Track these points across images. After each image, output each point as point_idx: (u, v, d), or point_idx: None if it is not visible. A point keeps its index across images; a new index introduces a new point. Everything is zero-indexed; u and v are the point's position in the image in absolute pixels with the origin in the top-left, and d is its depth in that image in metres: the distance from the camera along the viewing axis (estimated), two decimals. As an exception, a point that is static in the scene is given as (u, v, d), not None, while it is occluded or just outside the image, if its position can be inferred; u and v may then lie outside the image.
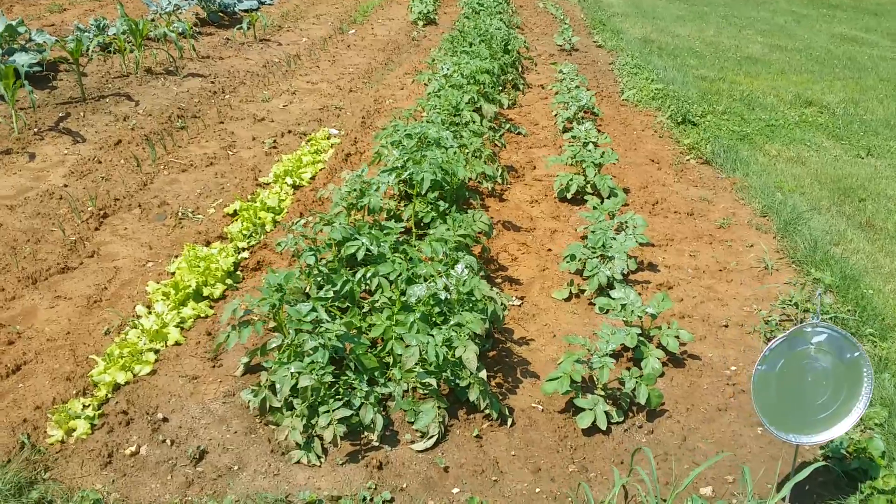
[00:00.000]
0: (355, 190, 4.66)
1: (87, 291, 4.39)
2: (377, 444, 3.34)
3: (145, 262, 4.74)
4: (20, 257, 4.69)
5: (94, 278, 4.53)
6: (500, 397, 3.68)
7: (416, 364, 3.44)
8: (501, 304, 3.95)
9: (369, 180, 4.76)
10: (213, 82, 8.72)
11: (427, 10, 14.17)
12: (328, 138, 6.92)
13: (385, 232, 4.22)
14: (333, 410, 3.25)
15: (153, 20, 11.75)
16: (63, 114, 7.29)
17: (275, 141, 6.82)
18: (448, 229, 4.30)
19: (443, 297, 3.65)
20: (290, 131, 7.11)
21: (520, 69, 10.10)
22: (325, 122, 7.49)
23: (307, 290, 4.06)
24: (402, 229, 4.45)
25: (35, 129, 6.86)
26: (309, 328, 3.40)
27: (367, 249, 4.00)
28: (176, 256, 4.78)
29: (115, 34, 10.12)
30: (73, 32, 9.96)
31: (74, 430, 3.29)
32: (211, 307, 4.27)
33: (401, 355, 3.54)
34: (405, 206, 5.23)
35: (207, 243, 4.94)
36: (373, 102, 8.23)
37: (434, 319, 3.72)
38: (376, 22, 13.79)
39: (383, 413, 3.44)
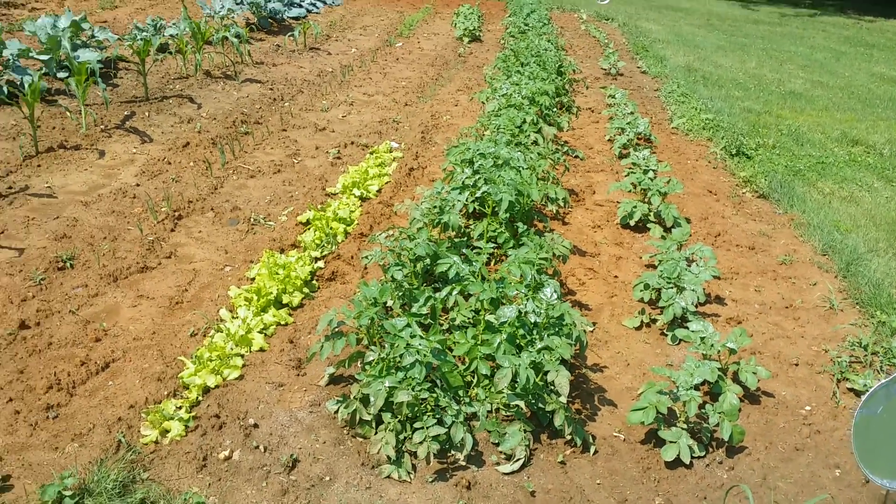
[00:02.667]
0: (435, 207, 4.72)
1: (169, 292, 4.46)
2: (464, 463, 3.37)
3: (222, 265, 4.81)
4: (99, 254, 4.77)
5: (174, 279, 4.60)
6: (582, 424, 3.71)
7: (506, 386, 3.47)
8: (583, 329, 3.98)
9: (445, 197, 4.82)
10: (271, 89, 8.83)
11: (472, 26, 14.29)
12: (390, 151, 6.99)
13: (476, 252, 4.26)
14: (428, 427, 3.28)
15: (206, 23, 11.91)
16: (128, 112, 7.40)
17: (339, 151, 6.89)
18: (530, 251, 4.34)
19: (532, 321, 3.69)
20: (352, 142, 7.18)
21: (569, 91, 10.16)
22: (385, 135, 7.56)
23: (388, 304, 4.11)
24: (490, 250, 4.49)
25: (102, 127, 6.97)
26: (405, 342, 3.44)
27: (458, 268, 4.05)
28: (251, 262, 4.84)
29: (171, 35, 10.27)
30: (129, 31, 10.12)
31: (168, 431, 3.34)
32: (290, 314, 4.33)
33: (486, 375, 3.58)
34: (474, 224, 5.28)
35: (282, 250, 5.00)
36: (429, 118, 8.30)
37: (518, 342, 3.76)
38: (422, 36, 13.90)
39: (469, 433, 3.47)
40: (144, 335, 4.02)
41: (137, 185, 5.83)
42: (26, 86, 7.17)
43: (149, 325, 4.13)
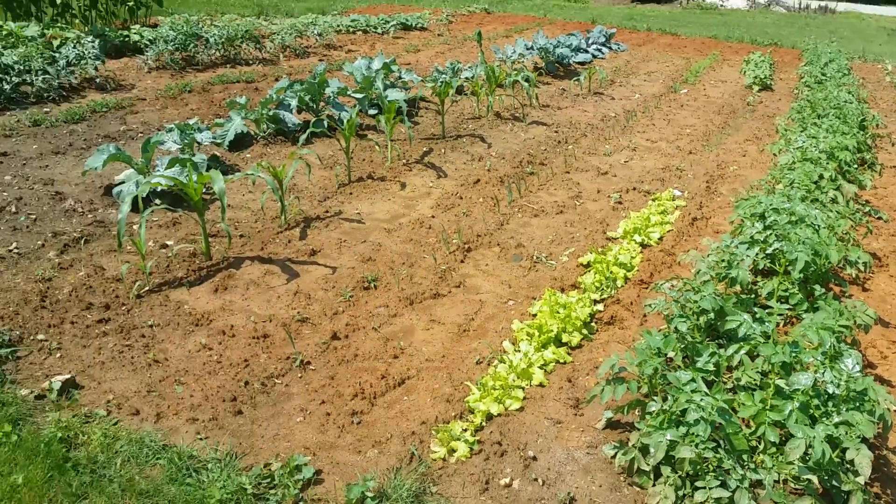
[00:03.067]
0: (722, 261, 4.60)
1: (457, 319, 4.77)
2: (744, 531, 3.23)
3: (506, 299, 5.05)
4: (398, 278, 5.22)
5: (463, 308, 4.91)
6: (880, 511, 3.40)
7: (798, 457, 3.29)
8: (887, 408, 3.65)
9: (733, 251, 4.68)
10: (556, 131, 9.12)
11: (763, 75, 13.66)
12: (672, 199, 6.91)
13: (767, 311, 4.10)
14: (711, 489, 3.20)
15: (499, 67, 12.56)
16: (427, 149, 8.04)
17: (620, 196, 6.95)
18: (827, 316, 4.07)
19: (829, 392, 3.46)
20: (634, 188, 7.20)
21: (872, 147, 9.35)
22: (668, 182, 7.49)
23: (670, 356, 4.07)
24: (782, 311, 4.29)
25: (404, 161, 7.63)
26: (688, 397, 3.39)
27: (748, 327, 3.92)
28: (533, 298, 5.04)
29: (466, 77, 10.97)
30: (430, 73, 10.97)
31: (455, 450, 3.57)
32: (569, 353, 4.43)
33: (773, 443, 3.41)
34: (762, 282, 5.05)
35: (562, 290, 5.15)
36: (715, 167, 8.08)
37: (812, 412, 3.54)
38: (708, 83, 13.54)
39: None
40: (435, 357, 4.34)
41: (433, 216, 6.30)
42: (344, 121, 8.07)
43: (439, 348, 4.45)
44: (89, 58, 9.25)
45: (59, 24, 10.74)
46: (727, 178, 7.76)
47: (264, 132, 7.85)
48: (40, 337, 4.24)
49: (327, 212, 6.29)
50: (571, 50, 14.39)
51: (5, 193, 6.05)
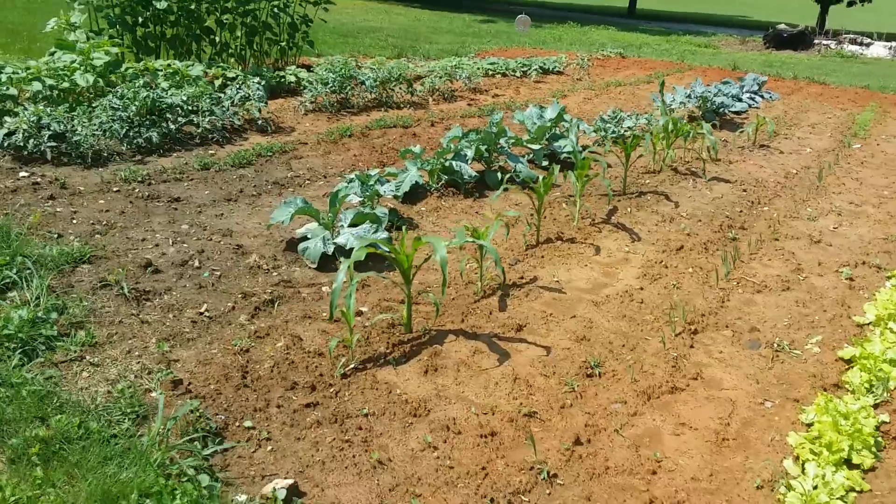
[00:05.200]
0: None
1: (710, 423, 4.05)
2: None
3: (760, 399, 4.30)
4: (623, 364, 4.56)
5: (711, 409, 4.19)
6: None
7: None
8: None
9: None
10: (745, 190, 8.33)
11: (945, 127, 12.50)
12: (914, 278, 6.01)
13: None
14: None
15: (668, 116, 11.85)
16: (611, 207, 7.39)
17: (850, 272, 6.08)
18: None
19: None
20: (863, 262, 6.33)
21: None
22: (895, 254, 6.58)
23: None
24: None
25: (590, 220, 7.00)
26: None
27: None
28: (796, 400, 4.27)
29: (629, 127, 10.31)
30: (593, 122, 10.35)
31: None
32: (862, 478, 3.65)
33: None
34: None
35: (824, 389, 4.37)
36: (945, 239, 7.12)
37: None
38: (879, 138, 12.42)
39: None
40: (701, 476, 3.63)
41: (641, 288, 5.62)
42: (521, 173, 7.51)
43: (699, 462, 3.74)
44: (254, 99, 9.07)
45: (218, 64, 10.69)
46: (964, 251, 6.78)
47: (437, 183, 7.38)
48: (247, 424, 3.76)
49: (522, 278, 5.70)
50: (731, 98, 13.54)
51: (185, 245, 5.73)
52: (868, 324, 5.20)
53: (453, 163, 7.30)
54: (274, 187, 7.27)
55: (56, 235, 5.57)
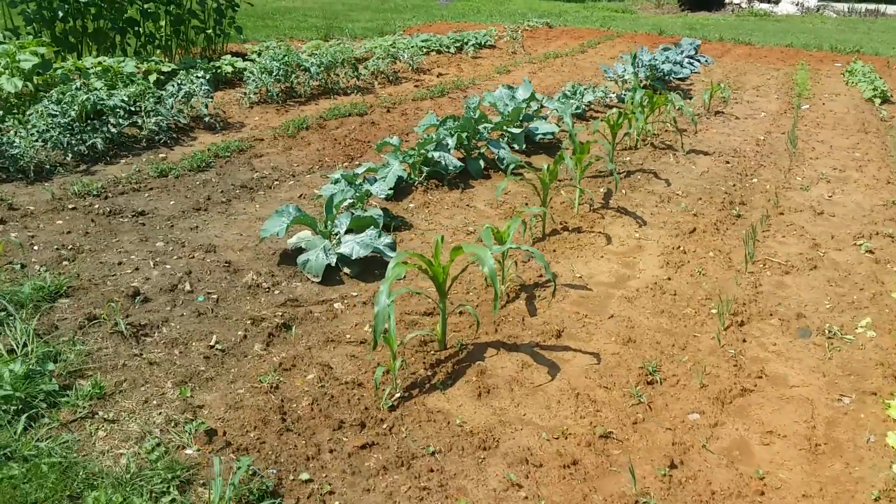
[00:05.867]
0: None
1: (795, 428, 3.75)
2: None
3: (834, 395, 4.03)
4: (682, 368, 4.22)
5: (789, 411, 3.89)
6: None
7: None
8: None
9: None
10: (727, 162, 8.13)
11: (883, 86, 12.73)
12: (929, 246, 5.90)
13: None
14: None
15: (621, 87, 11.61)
16: (604, 190, 7.05)
17: (869, 245, 5.92)
18: None
19: None
20: (875, 233, 6.19)
21: None
22: (900, 222, 6.50)
23: None
24: None
25: (589, 205, 6.65)
26: None
27: None
28: (873, 393, 4.02)
29: (589, 102, 10.00)
30: (557, 98, 9.98)
31: None
32: (975, 480, 3.42)
33: None
34: None
35: (895, 377, 4.14)
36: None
37: None
38: (822, 97, 12.55)
39: None
40: (811, 492, 3.32)
41: (668, 278, 5.30)
42: (504, 160, 7.09)
43: (801, 475, 3.43)
44: (200, 95, 8.31)
45: (148, 58, 9.80)
46: (962, 213, 6.74)
47: (419, 176, 6.87)
48: (303, 476, 3.25)
49: (540, 276, 5.30)
50: (676, 66, 13.44)
51: (168, 266, 5.08)
52: (909, 300, 5.03)
53: (435, 153, 6.80)
54: (243, 191, 6.62)
55: (19, 266, 4.84)
